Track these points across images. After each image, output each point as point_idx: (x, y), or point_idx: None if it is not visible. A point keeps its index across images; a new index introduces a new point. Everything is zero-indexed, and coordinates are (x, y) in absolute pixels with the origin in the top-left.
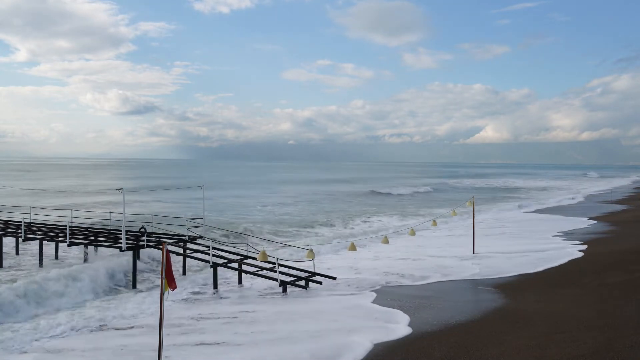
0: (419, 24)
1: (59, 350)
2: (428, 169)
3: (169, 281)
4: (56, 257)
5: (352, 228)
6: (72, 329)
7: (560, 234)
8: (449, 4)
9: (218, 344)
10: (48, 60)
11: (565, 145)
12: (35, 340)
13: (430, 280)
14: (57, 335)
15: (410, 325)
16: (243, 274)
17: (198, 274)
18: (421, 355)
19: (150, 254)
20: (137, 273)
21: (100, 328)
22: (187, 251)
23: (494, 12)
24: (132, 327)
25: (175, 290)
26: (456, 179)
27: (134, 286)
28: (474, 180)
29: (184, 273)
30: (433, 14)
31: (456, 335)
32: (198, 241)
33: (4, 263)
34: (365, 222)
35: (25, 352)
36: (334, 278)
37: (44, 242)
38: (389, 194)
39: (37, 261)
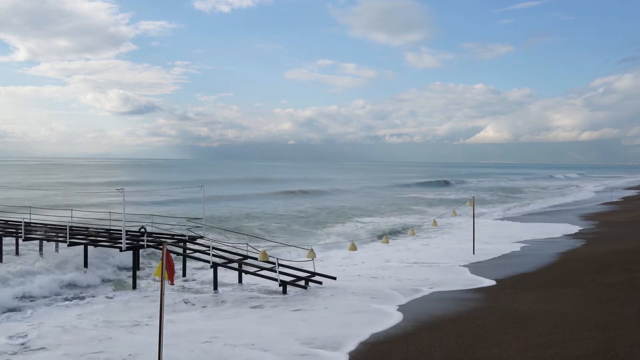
0: (422, 24)
1: None
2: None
3: (170, 275)
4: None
5: (354, 228)
6: None
7: (561, 234)
8: (452, 3)
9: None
10: (48, 59)
11: (566, 145)
12: None
13: (430, 280)
14: None
15: (410, 325)
16: (243, 274)
17: (198, 274)
18: (421, 355)
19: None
20: (136, 273)
21: None
22: (187, 251)
23: (497, 11)
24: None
25: (175, 290)
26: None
27: (134, 287)
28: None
29: (184, 274)
30: (436, 13)
31: (456, 335)
32: (198, 241)
33: (4, 263)
34: (365, 222)
35: None
36: (334, 278)
37: (44, 242)
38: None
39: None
